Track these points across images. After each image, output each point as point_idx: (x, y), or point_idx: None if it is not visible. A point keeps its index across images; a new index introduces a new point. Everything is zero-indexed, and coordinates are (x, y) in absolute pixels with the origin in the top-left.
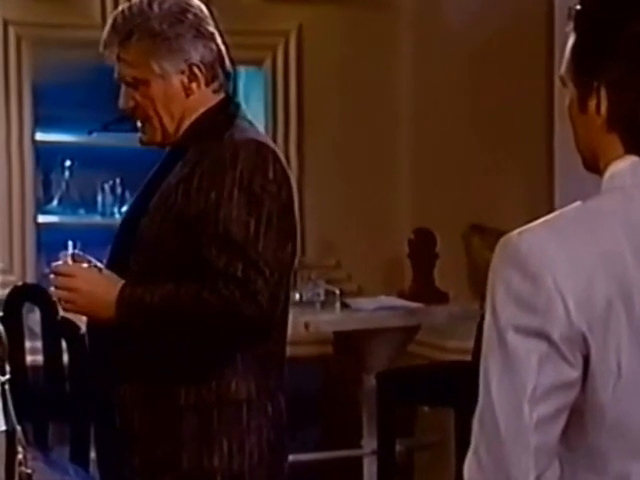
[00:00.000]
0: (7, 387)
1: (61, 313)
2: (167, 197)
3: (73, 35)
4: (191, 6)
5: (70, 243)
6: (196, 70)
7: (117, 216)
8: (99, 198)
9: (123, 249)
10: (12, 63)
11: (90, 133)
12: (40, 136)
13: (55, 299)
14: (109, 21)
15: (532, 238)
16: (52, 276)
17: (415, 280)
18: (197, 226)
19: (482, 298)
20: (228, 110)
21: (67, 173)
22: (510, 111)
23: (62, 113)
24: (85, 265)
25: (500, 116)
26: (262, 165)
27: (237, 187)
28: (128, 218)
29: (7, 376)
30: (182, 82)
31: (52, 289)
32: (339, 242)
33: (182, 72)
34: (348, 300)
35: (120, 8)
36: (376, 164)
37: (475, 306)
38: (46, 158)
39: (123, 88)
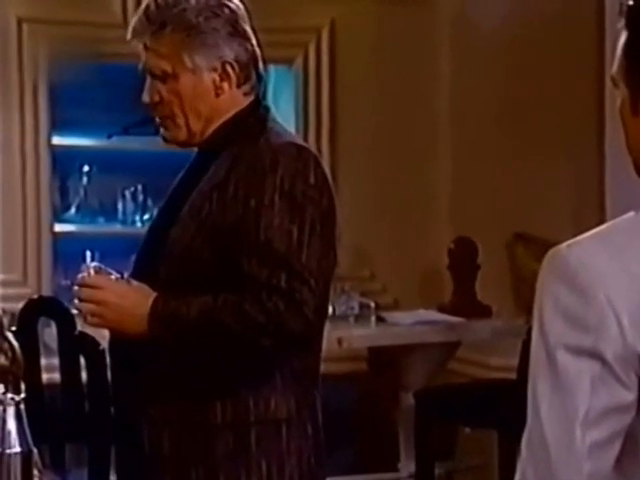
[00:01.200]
0: (22, 407)
1: (79, 327)
2: (200, 205)
3: (92, 33)
4: (229, 0)
5: (88, 253)
6: (229, 69)
7: (139, 225)
8: (119, 206)
9: (151, 260)
10: (27, 63)
11: (110, 137)
12: (57, 140)
13: (79, 313)
14: (141, 9)
15: (582, 251)
16: (76, 289)
17: (455, 293)
18: (234, 235)
19: (528, 312)
20: (258, 113)
21: (85, 179)
22: (558, 113)
23: (80, 115)
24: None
25: (546, 118)
26: (303, 170)
27: (278, 193)
28: (156, 227)
29: (22, 395)
30: (213, 80)
31: (76, 302)
32: (374, 252)
33: (214, 69)
34: (384, 314)
35: None
36: (413, 168)
37: (520, 321)
38: (63, 163)
39: (148, 81)
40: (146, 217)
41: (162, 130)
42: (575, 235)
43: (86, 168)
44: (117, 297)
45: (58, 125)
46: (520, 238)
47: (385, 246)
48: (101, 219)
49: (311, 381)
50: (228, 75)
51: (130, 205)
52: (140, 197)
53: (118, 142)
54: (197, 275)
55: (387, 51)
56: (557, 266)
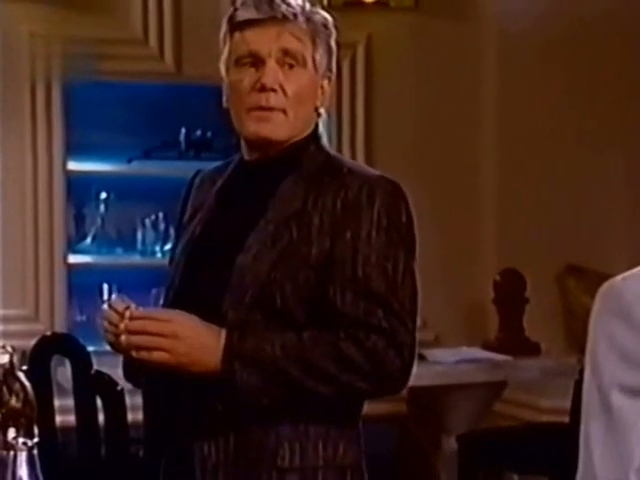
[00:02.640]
0: (35, 452)
1: (96, 366)
2: (275, 235)
3: (110, 50)
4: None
5: (105, 286)
6: (327, 84)
7: (159, 256)
8: (139, 235)
9: (208, 292)
10: (40, 82)
11: (130, 161)
12: (72, 165)
13: (137, 349)
14: None
15: (638, 284)
16: (134, 322)
17: (502, 329)
18: (321, 269)
19: (580, 351)
20: (318, 140)
21: (103, 207)
22: (616, 133)
23: (97, 138)
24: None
25: (602, 141)
26: (397, 206)
27: (375, 229)
28: (196, 253)
29: (35, 439)
30: (322, 87)
31: (135, 338)
32: None
33: (324, 77)
34: (424, 351)
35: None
36: (456, 194)
37: (572, 359)
38: (79, 190)
39: (270, 66)
40: (167, 247)
41: (258, 125)
42: (631, 267)
43: (103, 195)
44: (188, 329)
45: (73, 149)
46: (572, 270)
47: (425, 278)
48: (119, 250)
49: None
50: (324, 91)
51: (150, 235)
52: (161, 226)
53: (138, 167)
54: (275, 311)
55: (427, 69)
56: (611, 301)
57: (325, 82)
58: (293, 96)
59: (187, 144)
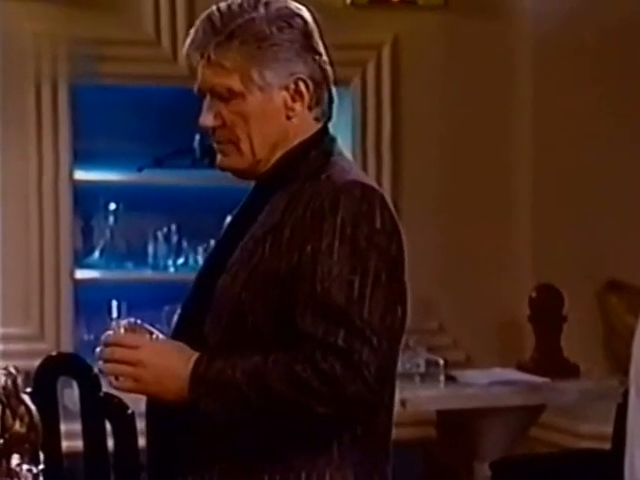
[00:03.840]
0: (41, 479)
1: (105, 388)
2: (252, 251)
3: (120, 52)
4: (301, 10)
5: (115, 303)
6: (302, 87)
7: (172, 270)
8: (150, 249)
9: (196, 313)
10: (45, 86)
11: (140, 170)
12: (79, 174)
13: (106, 376)
14: (201, 19)
15: None
16: (104, 348)
17: (538, 348)
18: (288, 285)
19: (623, 372)
20: (323, 145)
21: (112, 219)
22: None
23: (106, 146)
24: (147, 336)
25: None
26: (368, 212)
27: (338, 239)
28: (203, 275)
29: (41, 466)
30: (285, 99)
31: (104, 364)
32: (442, 301)
33: (286, 88)
34: (454, 372)
35: (215, 6)
36: (488, 205)
37: (613, 382)
38: (86, 201)
39: (208, 101)
40: (180, 261)
41: (220, 157)
42: None
43: (112, 206)
44: (156, 357)
45: (80, 157)
46: (613, 286)
47: (455, 294)
48: (129, 264)
49: (378, 451)
50: (301, 94)
51: (162, 248)
52: (174, 239)
53: (149, 176)
54: (246, 330)
55: (457, 71)
56: None
57: (289, 92)
58: (240, 126)
59: (202, 151)
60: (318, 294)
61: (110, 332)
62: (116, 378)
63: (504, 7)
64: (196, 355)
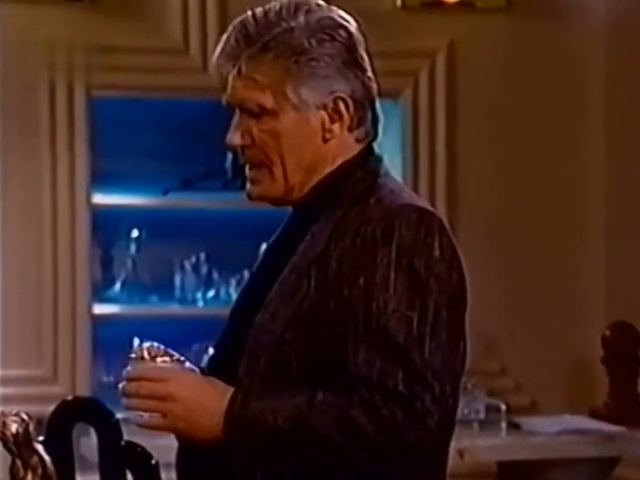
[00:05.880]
0: None
1: (126, 437)
2: (294, 285)
3: (144, 61)
4: (347, 21)
5: (137, 341)
6: (342, 107)
7: (201, 304)
8: (177, 280)
9: (230, 354)
10: (60, 99)
11: (166, 193)
12: (98, 198)
13: (132, 412)
14: (234, 25)
15: None
16: (130, 384)
17: (612, 393)
18: (337, 322)
19: None
20: (368, 165)
21: (134, 247)
22: None
23: (127, 166)
24: (168, 360)
25: None
26: (425, 239)
27: (394, 270)
28: (238, 311)
29: None
30: (322, 120)
31: (129, 400)
32: (504, 340)
33: (324, 107)
34: (517, 419)
35: (250, 11)
36: (554, 232)
37: None
38: (106, 227)
39: (237, 117)
40: (210, 294)
41: (249, 185)
42: None
43: (135, 233)
44: (187, 390)
45: (99, 179)
46: None
47: (519, 333)
48: (154, 298)
49: None
50: (340, 115)
51: (190, 279)
52: (203, 269)
53: (176, 199)
54: (288, 376)
55: (521, 80)
56: None
57: (327, 111)
58: (272, 147)
59: (234, 172)
60: (372, 331)
61: (132, 356)
62: (142, 415)
63: (573, 7)
64: (231, 390)
